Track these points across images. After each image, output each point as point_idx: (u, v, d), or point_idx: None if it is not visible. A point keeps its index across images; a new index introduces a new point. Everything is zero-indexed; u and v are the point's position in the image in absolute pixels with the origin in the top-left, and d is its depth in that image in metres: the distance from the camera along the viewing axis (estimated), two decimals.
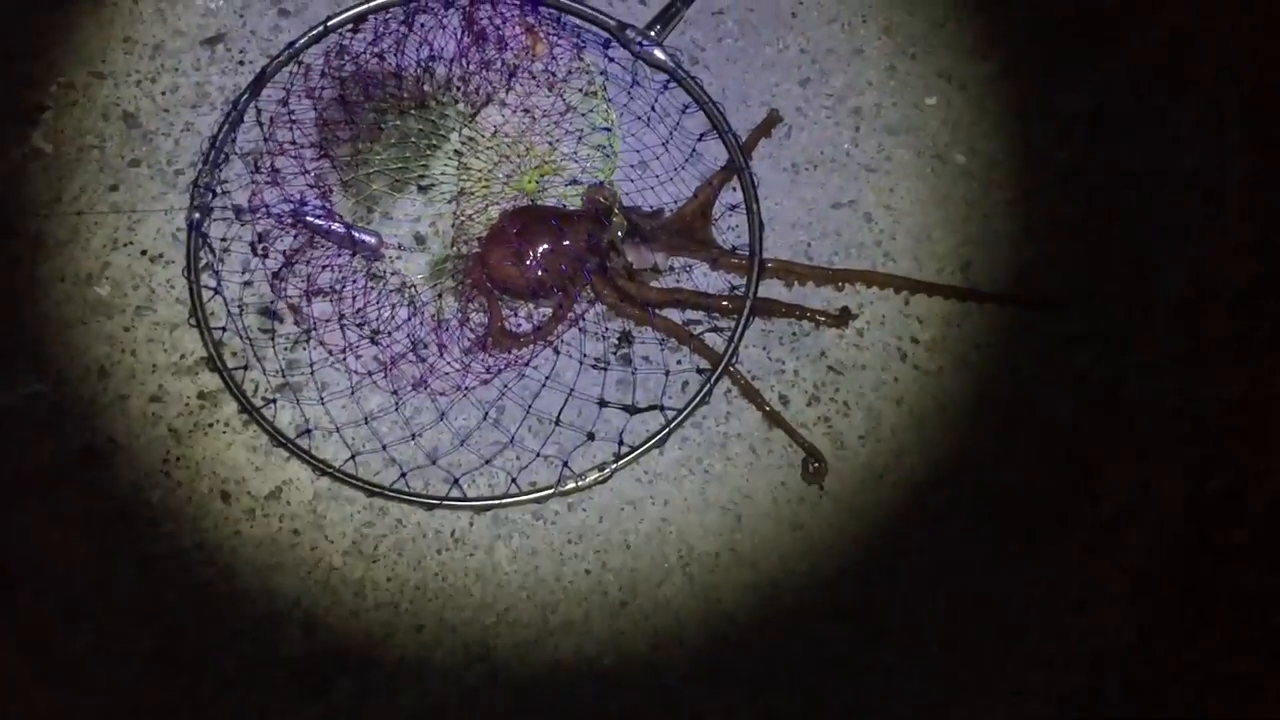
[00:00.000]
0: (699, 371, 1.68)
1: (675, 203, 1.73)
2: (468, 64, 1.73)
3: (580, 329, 1.68)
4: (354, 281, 1.68)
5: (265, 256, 1.68)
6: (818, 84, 1.80)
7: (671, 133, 1.74)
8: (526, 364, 1.67)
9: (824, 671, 1.62)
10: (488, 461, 1.65)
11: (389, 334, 1.66)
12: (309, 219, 1.67)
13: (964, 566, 1.66)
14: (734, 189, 1.74)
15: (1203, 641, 1.64)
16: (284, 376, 1.66)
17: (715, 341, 1.69)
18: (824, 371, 1.70)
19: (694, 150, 1.75)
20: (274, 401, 1.66)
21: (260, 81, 1.71)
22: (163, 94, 1.75)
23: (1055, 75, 1.81)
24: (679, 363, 1.69)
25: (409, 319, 1.67)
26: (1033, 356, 1.72)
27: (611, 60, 1.75)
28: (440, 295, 1.69)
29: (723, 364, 1.66)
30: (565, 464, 1.65)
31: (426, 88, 1.74)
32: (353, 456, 1.64)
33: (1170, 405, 1.71)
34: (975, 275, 1.74)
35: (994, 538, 1.67)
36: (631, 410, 1.66)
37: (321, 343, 1.66)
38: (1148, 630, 1.64)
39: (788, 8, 1.82)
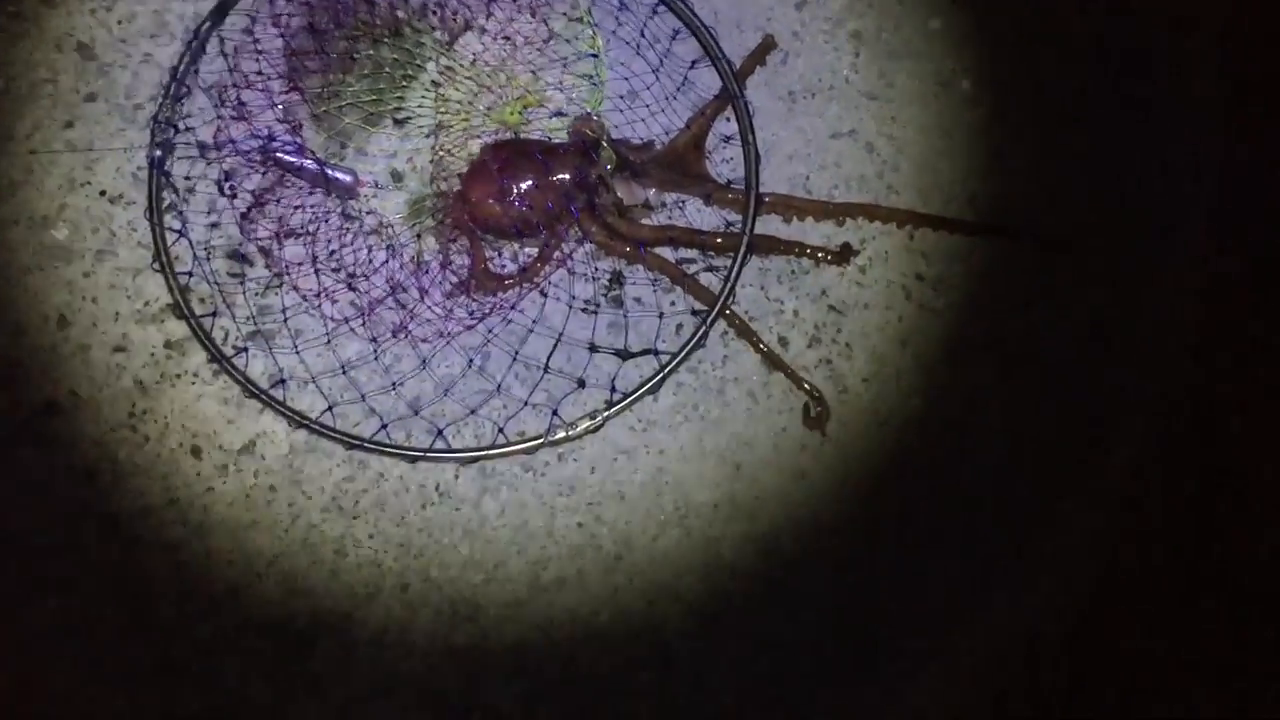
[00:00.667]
0: (694, 313, 1.61)
1: (667, 135, 1.65)
2: None
3: (568, 270, 1.60)
4: (328, 222, 1.59)
5: (233, 196, 1.59)
6: (815, 6, 1.71)
7: (662, 60, 1.65)
8: (512, 308, 1.58)
9: (827, 624, 1.56)
10: (473, 411, 1.57)
11: (366, 278, 1.58)
12: (278, 156, 1.58)
13: (969, 516, 1.59)
14: (728, 119, 1.65)
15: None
16: (255, 324, 1.57)
17: (710, 281, 1.61)
18: (825, 311, 1.63)
19: (685, 78, 1.66)
20: (245, 350, 1.57)
21: (223, 9, 1.61)
22: (119, 23, 1.64)
23: None
24: (673, 304, 1.61)
25: (387, 261, 1.58)
26: (1042, 295, 1.64)
27: None
28: (419, 236, 1.60)
29: (719, 305, 1.58)
30: (555, 413, 1.57)
31: (400, 14, 1.64)
32: (330, 408, 1.56)
33: (1185, 345, 1.63)
34: (982, 208, 1.66)
35: (1000, 486, 1.60)
36: (624, 355, 1.58)
37: (295, 287, 1.57)
38: (1154, 592, 1.58)
39: None
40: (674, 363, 1.57)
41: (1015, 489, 1.60)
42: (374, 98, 1.63)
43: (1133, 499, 1.60)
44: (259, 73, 1.60)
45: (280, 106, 1.60)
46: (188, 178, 1.59)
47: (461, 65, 1.63)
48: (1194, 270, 1.65)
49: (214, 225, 1.59)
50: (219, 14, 1.60)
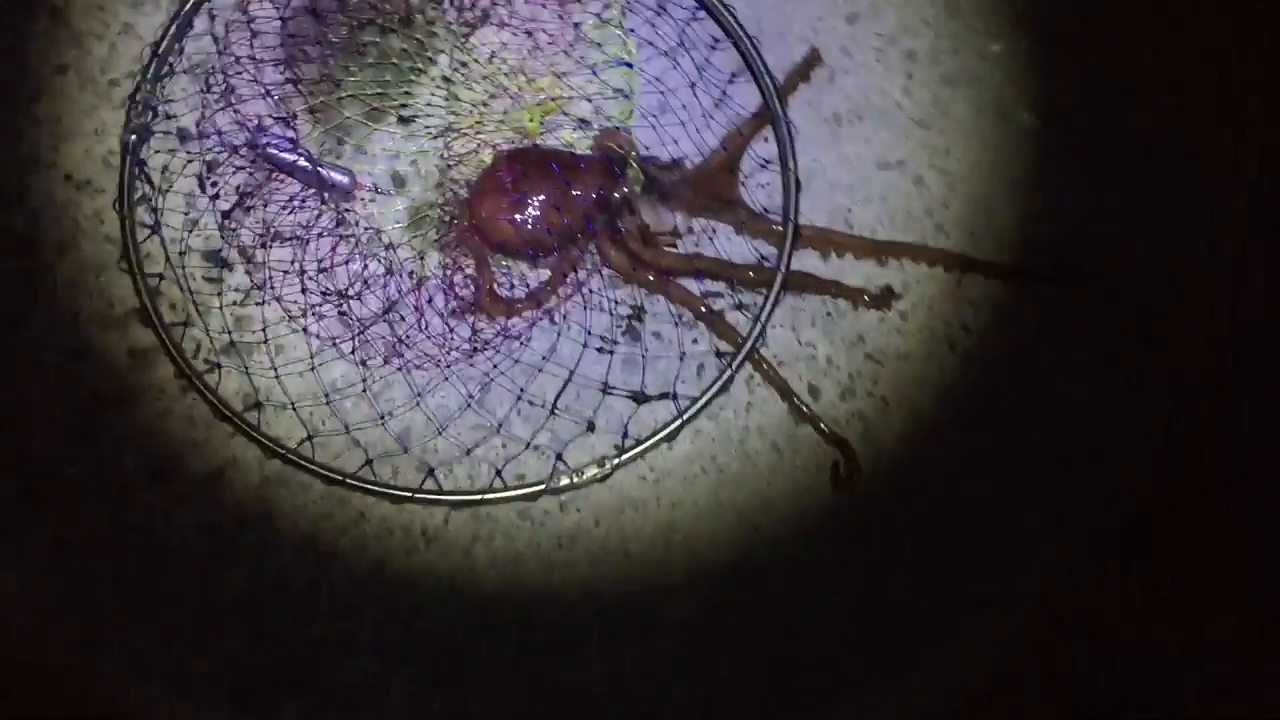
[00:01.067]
0: (718, 355, 1.46)
1: (699, 154, 1.49)
2: None
3: (583, 298, 1.44)
4: (319, 228, 1.43)
5: (215, 196, 1.42)
6: (868, 21, 1.56)
7: (700, 72, 1.50)
8: (519, 337, 1.43)
9: (848, 712, 1.41)
10: (469, 451, 1.42)
11: (358, 294, 1.42)
12: (268, 150, 1.43)
13: (1007, 595, 1.45)
14: (767, 140, 1.51)
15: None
16: (231, 337, 1.42)
17: (738, 320, 1.47)
18: (861, 360, 1.48)
19: (724, 93, 1.51)
20: (218, 366, 1.41)
21: None
22: None
23: (1141, 30, 1.57)
24: (695, 343, 1.46)
25: (384, 276, 1.42)
26: (1101, 352, 1.50)
27: None
28: (422, 255, 1.44)
29: (746, 347, 1.44)
30: (559, 457, 1.42)
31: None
32: (309, 437, 1.40)
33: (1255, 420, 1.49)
34: (1039, 256, 1.51)
35: (1046, 567, 1.46)
36: (639, 398, 1.43)
37: (278, 299, 1.41)
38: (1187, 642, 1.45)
39: None
40: (693, 409, 1.42)
41: (1060, 570, 1.46)
42: (378, 91, 1.48)
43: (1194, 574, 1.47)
44: (251, 56, 1.44)
45: (273, 95, 1.44)
46: (165, 169, 1.44)
47: (477, 62, 1.48)
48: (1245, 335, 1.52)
49: (191, 223, 1.43)
50: None
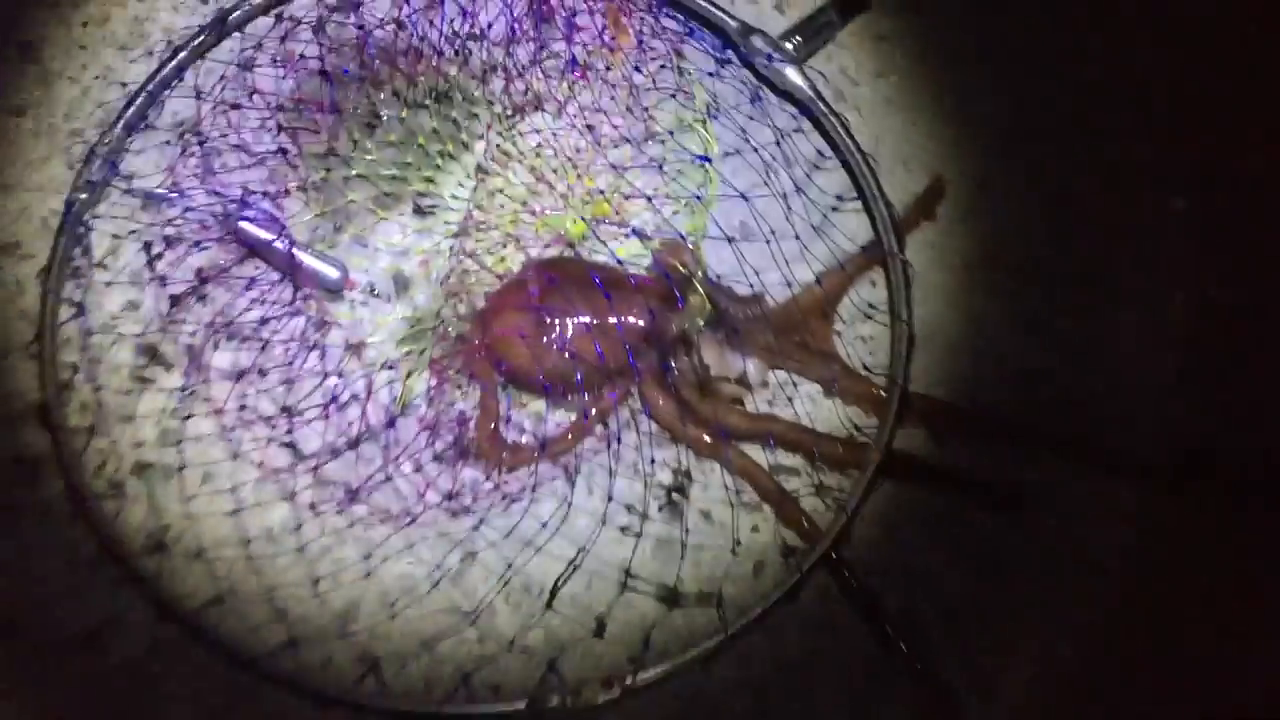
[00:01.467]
0: (785, 554, 1.12)
1: (787, 289, 1.19)
2: (517, 46, 1.21)
3: (612, 454, 1.12)
4: (288, 331, 1.13)
5: (165, 278, 1.14)
6: (1013, 153, 1.27)
7: (799, 190, 1.21)
8: (519, 497, 1.10)
9: None
10: (430, 645, 1.07)
11: (320, 417, 1.11)
12: (245, 227, 1.15)
13: None
14: (875, 284, 1.22)
15: None
16: (147, 454, 1.10)
17: (816, 508, 1.14)
18: (973, 576, 1.14)
19: (825, 218, 1.22)
20: (121, 491, 1.09)
21: (221, 28, 1.20)
22: (84, 24, 1.25)
23: None
24: (755, 531, 1.14)
25: (359, 399, 1.12)
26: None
27: (725, 66, 1.22)
28: (411, 371, 1.12)
29: (824, 544, 1.11)
30: (551, 666, 1.07)
31: (455, 72, 1.22)
32: (220, 599, 1.06)
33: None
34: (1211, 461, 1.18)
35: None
36: (671, 599, 1.10)
37: (217, 412, 1.10)
38: None
39: (980, 43, 1.30)
40: (746, 622, 1.08)
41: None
42: (396, 174, 1.20)
43: None
44: (237, 105, 1.18)
45: (264, 164, 1.17)
46: (115, 236, 1.16)
47: (519, 150, 1.19)
48: None
49: (130, 307, 1.14)
50: (215, 33, 1.20)
